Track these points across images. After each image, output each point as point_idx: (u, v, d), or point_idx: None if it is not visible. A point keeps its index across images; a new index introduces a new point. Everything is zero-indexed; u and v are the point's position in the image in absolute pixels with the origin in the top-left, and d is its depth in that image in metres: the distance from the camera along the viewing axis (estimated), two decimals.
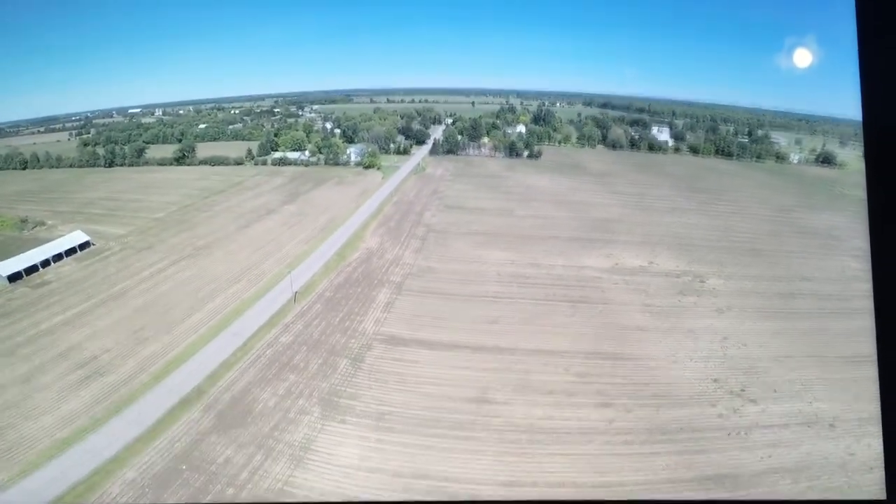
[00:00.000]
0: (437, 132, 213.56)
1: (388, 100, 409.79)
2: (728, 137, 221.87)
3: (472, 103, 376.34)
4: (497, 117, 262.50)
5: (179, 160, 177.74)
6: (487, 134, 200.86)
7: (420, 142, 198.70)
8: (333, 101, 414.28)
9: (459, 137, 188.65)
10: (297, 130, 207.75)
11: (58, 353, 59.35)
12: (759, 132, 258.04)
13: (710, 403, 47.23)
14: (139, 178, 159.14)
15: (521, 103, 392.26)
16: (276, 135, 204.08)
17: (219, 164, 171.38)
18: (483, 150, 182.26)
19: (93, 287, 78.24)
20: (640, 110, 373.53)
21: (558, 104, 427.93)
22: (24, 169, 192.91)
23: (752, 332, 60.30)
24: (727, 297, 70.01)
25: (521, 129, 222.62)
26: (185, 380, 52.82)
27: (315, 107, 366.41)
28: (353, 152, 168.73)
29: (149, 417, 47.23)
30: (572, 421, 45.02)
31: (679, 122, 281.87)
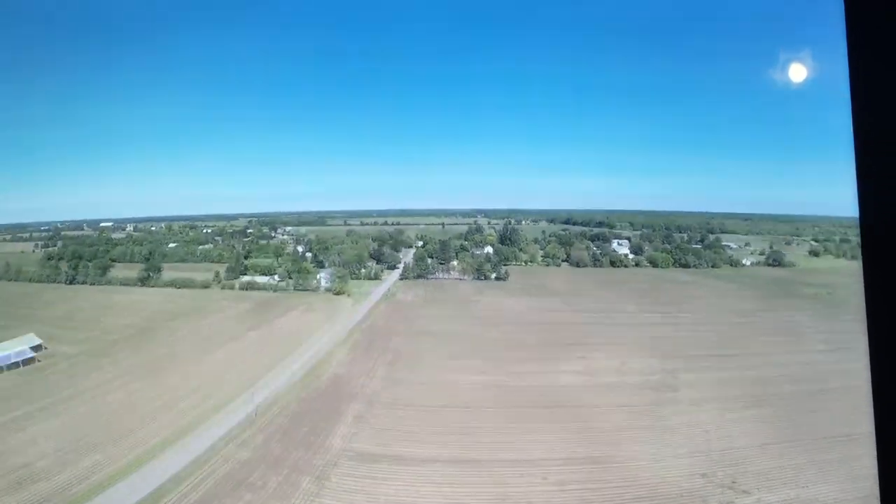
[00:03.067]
0: (407, 256, 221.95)
1: (361, 222, 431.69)
2: (683, 245, 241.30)
3: (442, 224, 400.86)
4: (465, 238, 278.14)
5: (143, 281, 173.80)
6: (456, 256, 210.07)
7: (391, 266, 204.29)
8: (308, 223, 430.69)
9: (429, 261, 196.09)
10: (266, 255, 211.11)
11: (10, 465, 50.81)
12: (711, 237, 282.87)
13: (703, 500, 44.67)
14: (100, 298, 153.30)
15: (489, 223, 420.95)
16: (246, 257, 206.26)
17: (185, 287, 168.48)
18: (452, 273, 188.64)
19: (35, 402, 71.54)
20: (601, 223, 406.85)
21: (524, 222, 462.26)
22: None
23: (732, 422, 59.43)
24: (703, 389, 70.82)
25: (489, 249, 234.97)
26: (124, 497, 47.17)
27: (288, 228, 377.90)
28: (323, 277, 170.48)
29: None
30: None
31: (637, 234, 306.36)
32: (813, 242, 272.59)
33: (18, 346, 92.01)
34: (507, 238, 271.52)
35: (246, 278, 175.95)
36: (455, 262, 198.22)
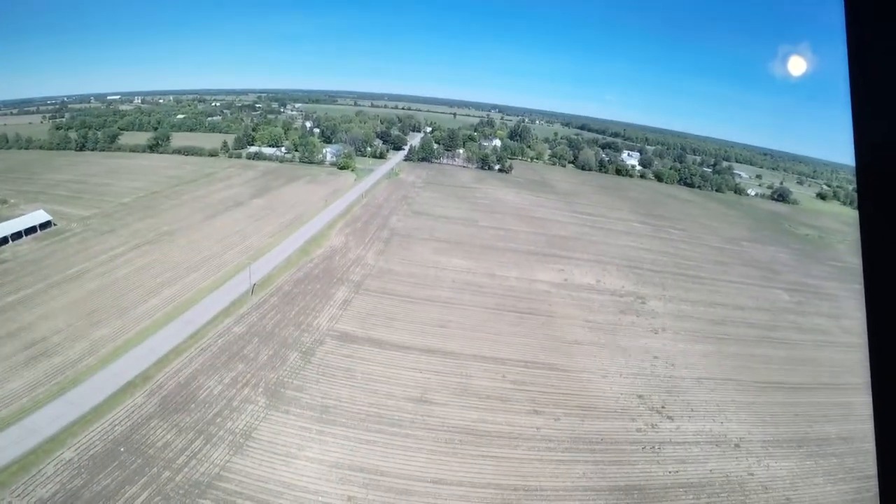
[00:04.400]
0: (415, 139, 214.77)
1: (371, 104, 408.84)
2: (692, 167, 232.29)
3: (454, 115, 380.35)
4: (475, 130, 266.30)
5: (153, 147, 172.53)
6: (463, 145, 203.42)
7: (397, 147, 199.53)
8: (316, 101, 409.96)
9: (435, 146, 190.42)
10: (275, 126, 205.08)
11: (6, 333, 56.75)
12: (724, 164, 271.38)
13: (631, 418, 49.62)
14: (109, 163, 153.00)
15: (502, 118, 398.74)
16: (254, 129, 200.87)
17: (192, 154, 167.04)
18: (457, 160, 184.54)
19: (48, 269, 75.02)
20: (615, 134, 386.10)
21: (537, 122, 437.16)
22: None
23: (681, 354, 63.59)
24: (664, 318, 73.53)
25: (497, 142, 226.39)
26: (132, 364, 51.47)
27: (297, 105, 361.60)
28: (329, 152, 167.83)
29: (91, 400, 45.86)
30: (503, 426, 46.56)
31: (650, 149, 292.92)
32: (825, 186, 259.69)
33: (28, 224, 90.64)
34: (517, 134, 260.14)
35: (253, 149, 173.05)
36: (461, 151, 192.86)
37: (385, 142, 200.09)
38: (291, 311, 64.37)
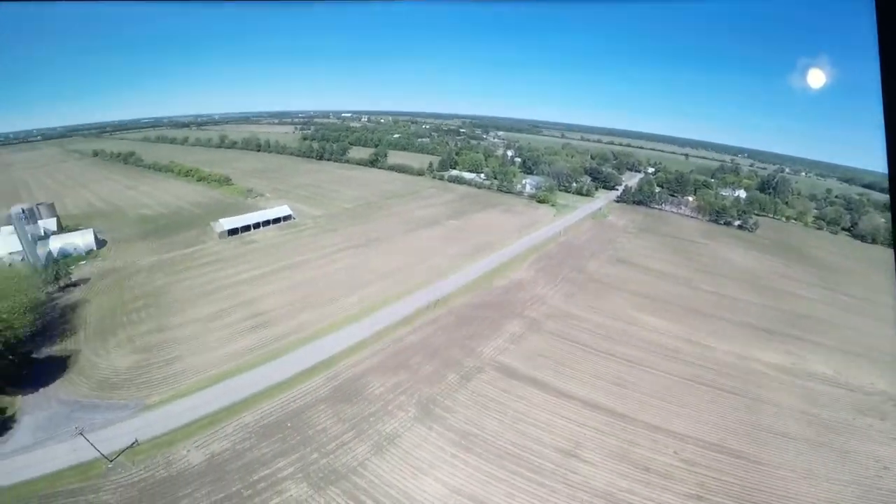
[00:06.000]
0: (632, 179, 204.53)
1: (582, 137, 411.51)
2: None
3: (685, 156, 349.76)
4: (712, 175, 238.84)
5: (372, 162, 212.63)
6: (695, 192, 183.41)
7: (609, 186, 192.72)
8: (519, 130, 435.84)
9: (657, 189, 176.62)
10: (476, 152, 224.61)
11: (240, 302, 74.88)
12: None
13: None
14: (339, 173, 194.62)
15: (751, 165, 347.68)
16: (457, 153, 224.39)
17: (403, 172, 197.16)
18: (683, 208, 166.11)
19: (283, 253, 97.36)
20: None
21: (803, 173, 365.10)
22: (258, 151, 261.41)
23: None
24: None
25: (741, 193, 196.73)
26: (322, 349, 61.79)
27: (500, 133, 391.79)
28: (528, 183, 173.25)
29: (282, 374, 56.48)
30: None
31: None
32: None
33: (275, 215, 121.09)
34: (770, 186, 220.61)
35: (454, 172, 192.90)
36: (691, 198, 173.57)
37: (594, 179, 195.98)
38: (461, 333, 67.83)
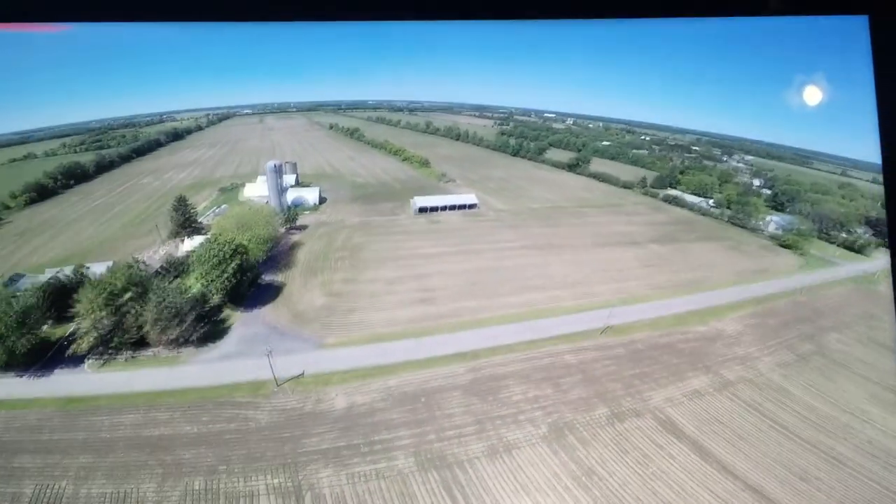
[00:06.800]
0: None
1: (874, 179, 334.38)
2: None
3: None
4: None
5: (571, 167, 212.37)
6: None
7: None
8: (779, 158, 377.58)
9: None
10: (709, 175, 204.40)
11: (415, 275, 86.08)
12: None
13: None
14: (532, 172, 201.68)
15: None
16: (681, 172, 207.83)
17: (606, 182, 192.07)
18: None
19: (462, 239, 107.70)
20: None
21: None
22: (457, 140, 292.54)
23: None
24: None
25: None
26: (474, 339, 67.86)
27: (748, 157, 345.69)
28: (774, 221, 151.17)
29: (429, 352, 64.49)
30: None
31: None
32: None
33: (462, 202, 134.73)
34: None
35: (672, 192, 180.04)
36: None
37: (877, 234, 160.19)
38: (630, 370, 65.42)
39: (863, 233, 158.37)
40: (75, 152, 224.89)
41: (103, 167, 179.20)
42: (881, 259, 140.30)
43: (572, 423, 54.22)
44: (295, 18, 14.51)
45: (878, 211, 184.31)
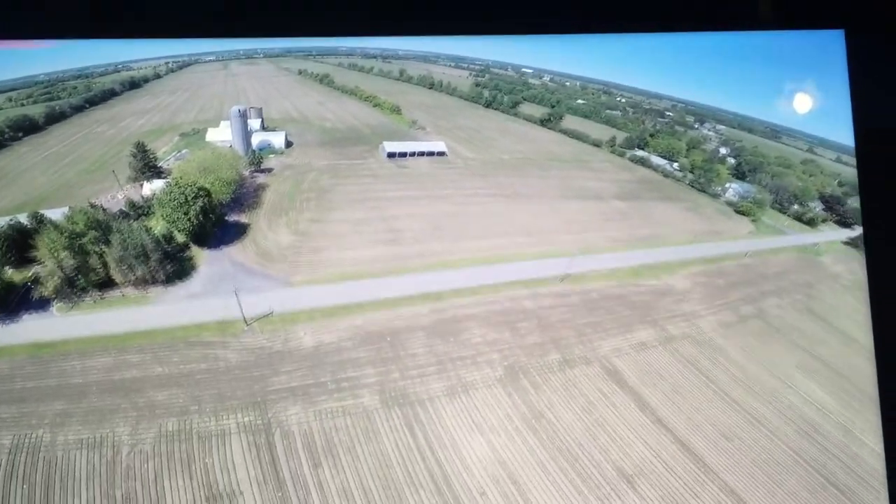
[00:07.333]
0: None
1: (838, 158, 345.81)
2: None
3: None
4: None
5: (543, 122, 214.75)
6: None
7: (846, 224, 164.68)
8: (751, 130, 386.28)
9: None
10: (678, 140, 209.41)
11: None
12: None
13: None
14: (504, 124, 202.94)
15: None
16: (651, 135, 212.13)
17: (576, 139, 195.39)
18: None
19: (430, 184, 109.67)
20: None
21: None
22: (430, 89, 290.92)
23: None
24: None
25: None
26: (439, 281, 70.75)
27: (719, 127, 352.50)
28: (733, 189, 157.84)
29: (393, 292, 67.23)
30: None
31: None
32: None
33: (431, 149, 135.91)
34: None
35: (640, 153, 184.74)
36: None
37: (830, 210, 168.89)
38: (583, 318, 69.46)
39: (813, 207, 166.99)
40: (22, 105, 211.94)
41: (54, 118, 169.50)
42: (827, 232, 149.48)
43: (526, 366, 58.04)
44: None
45: (832, 188, 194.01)
